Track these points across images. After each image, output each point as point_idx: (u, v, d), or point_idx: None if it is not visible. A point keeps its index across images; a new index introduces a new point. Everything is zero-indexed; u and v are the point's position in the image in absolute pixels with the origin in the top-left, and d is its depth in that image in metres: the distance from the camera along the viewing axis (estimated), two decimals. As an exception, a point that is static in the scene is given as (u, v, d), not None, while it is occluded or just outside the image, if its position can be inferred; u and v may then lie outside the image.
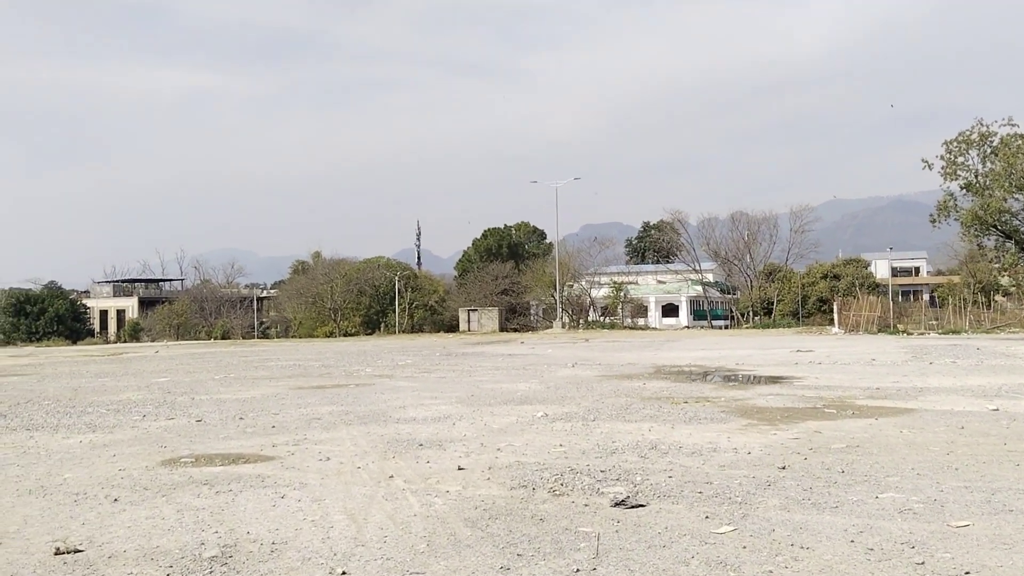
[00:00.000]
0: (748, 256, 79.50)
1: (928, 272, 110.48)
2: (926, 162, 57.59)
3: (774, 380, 17.96)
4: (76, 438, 11.29)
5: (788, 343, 36.52)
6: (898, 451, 8.90)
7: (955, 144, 56.19)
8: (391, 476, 7.98)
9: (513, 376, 20.51)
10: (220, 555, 5.50)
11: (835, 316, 48.87)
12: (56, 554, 5.56)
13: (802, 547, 5.36)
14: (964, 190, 56.78)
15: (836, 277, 79.20)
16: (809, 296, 78.96)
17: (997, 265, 56.36)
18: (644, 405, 13.34)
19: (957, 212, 57.37)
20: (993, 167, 54.64)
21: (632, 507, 6.41)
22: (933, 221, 59.87)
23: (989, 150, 55.10)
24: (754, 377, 18.98)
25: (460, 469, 8.24)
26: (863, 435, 10.02)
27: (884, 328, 46.33)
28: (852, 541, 5.49)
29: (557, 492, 7.07)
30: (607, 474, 7.74)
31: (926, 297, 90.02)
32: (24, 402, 16.45)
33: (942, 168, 56.88)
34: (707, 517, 6.12)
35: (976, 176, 55.83)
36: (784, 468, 7.93)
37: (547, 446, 9.53)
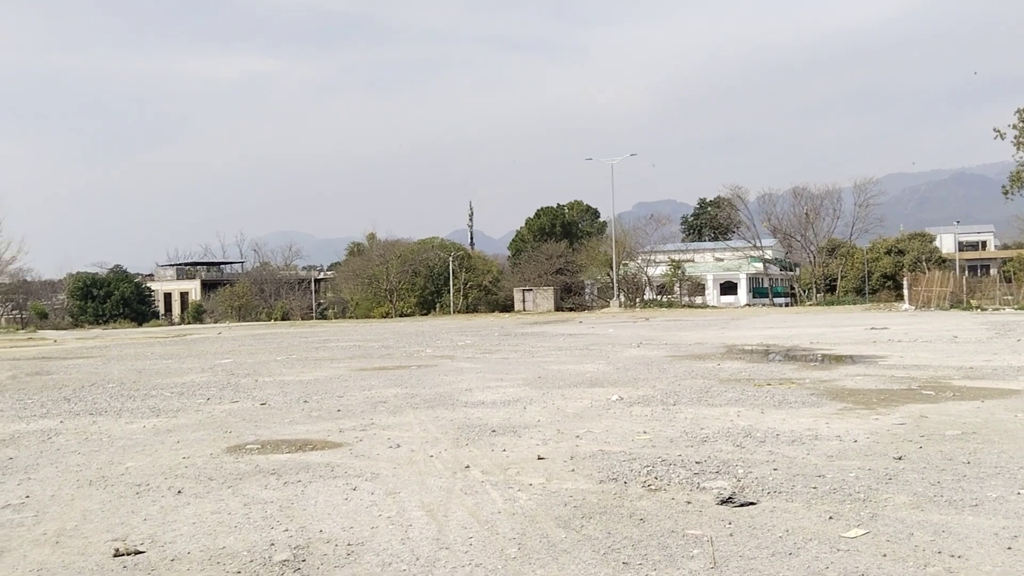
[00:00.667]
0: (811, 231, 77.38)
1: (996, 246, 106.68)
2: (998, 131, 55.22)
3: (856, 359, 17.03)
4: (140, 423, 11.00)
5: (859, 320, 35.21)
6: (1021, 437, 8.07)
7: (1031, 111, 53.70)
8: (467, 466, 7.44)
9: (578, 357, 19.88)
10: (292, 559, 5.00)
11: (905, 292, 47.12)
12: (115, 556, 5.12)
13: (952, 555, 4.66)
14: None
15: (900, 252, 76.93)
16: (873, 272, 76.88)
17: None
18: (725, 388, 12.61)
19: (1033, 182, 55.00)
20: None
21: (741, 505, 5.76)
22: (1005, 192, 57.52)
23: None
24: (834, 356, 18.05)
25: (540, 459, 7.66)
26: (975, 419, 9.18)
27: (956, 304, 44.52)
28: (1009, 548, 4.77)
29: (652, 487, 6.44)
30: (704, 466, 7.08)
31: (993, 272, 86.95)
32: (89, 385, 16.35)
33: (1015, 138, 54.52)
34: (831, 518, 5.44)
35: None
36: (901, 459, 7.18)
37: (630, 433, 8.90)
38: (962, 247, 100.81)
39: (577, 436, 8.79)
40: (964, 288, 46.25)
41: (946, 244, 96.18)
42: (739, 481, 6.48)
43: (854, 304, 62.99)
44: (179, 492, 6.89)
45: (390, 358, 21.46)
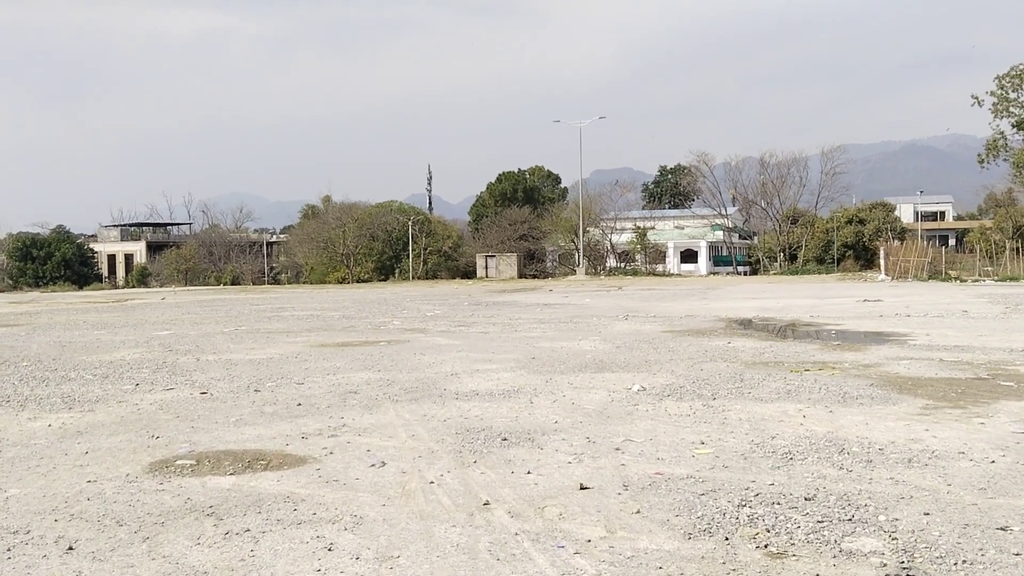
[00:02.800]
0: (777, 200, 76.23)
1: (953, 217, 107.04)
2: (976, 98, 54.16)
3: (880, 338, 15.23)
4: (45, 419, 8.69)
5: (841, 291, 33.73)
6: None
7: (1008, 79, 52.72)
8: (486, 502, 5.33)
9: (566, 332, 17.84)
10: None
11: (881, 262, 45.91)
12: None
13: None
14: (1016, 128, 53.53)
15: (862, 222, 76.14)
16: (833, 241, 76.11)
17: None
18: (758, 374, 10.65)
19: (1008, 151, 54.18)
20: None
21: (932, 592, 3.75)
22: (981, 161, 56.65)
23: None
24: (850, 334, 16.24)
25: (583, 488, 5.58)
26: (1104, 425, 7.32)
27: (935, 275, 43.43)
28: None
29: (770, 548, 4.40)
30: (820, 506, 5.07)
31: (952, 242, 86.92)
32: (1, 362, 13.87)
33: (993, 105, 53.51)
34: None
35: (1031, 113, 52.49)
36: (1085, 494, 5.25)
37: (682, 443, 6.87)
38: (920, 217, 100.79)
39: (616, 448, 6.72)
40: (943, 260, 45.16)
41: (905, 214, 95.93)
42: (894, 539, 4.47)
43: (821, 274, 61.96)
44: (69, 549, 4.69)
45: (354, 331, 19.21)
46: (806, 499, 5.17)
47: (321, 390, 10.23)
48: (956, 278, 41.72)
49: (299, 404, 9.23)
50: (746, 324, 19.19)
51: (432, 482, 5.87)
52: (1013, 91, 50.75)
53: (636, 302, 29.39)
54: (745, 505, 5.06)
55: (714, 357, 12.59)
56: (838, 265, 71.06)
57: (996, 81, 50.45)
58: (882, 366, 11.31)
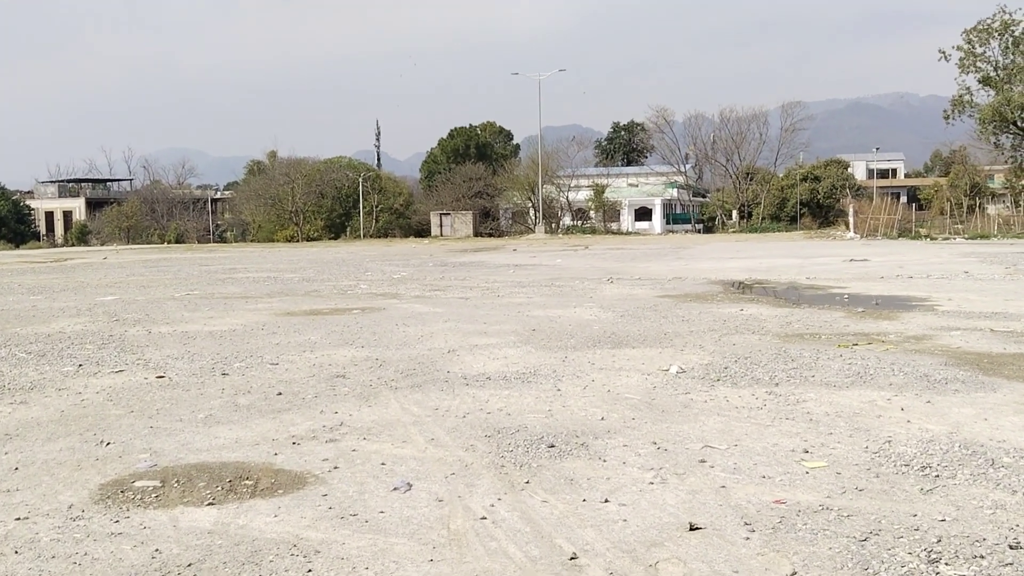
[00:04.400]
0: (737, 156, 75.42)
1: (905, 174, 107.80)
2: (943, 52, 53.36)
3: (904, 304, 14.10)
4: (-37, 417, 7.01)
5: (818, 250, 32.85)
6: None
7: (975, 34, 52.06)
8: (573, 556, 3.90)
9: (554, 298, 16.43)
10: None
11: (850, 220, 45.32)
12: None
13: None
14: (982, 84, 53.06)
15: (816, 179, 75.89)
16: (788, 199, 75.87)
17: (1013, 164, 53.12)
18: (805, 351, 9.36)
19: (973, 108, 53.76)
20: (1016, 60, 50.75)
21: None
22: (947, 117, 56.09)
23: (1012, 41, 51.17)
24: (865, 298, 15.10)
25: (694, 529, 4.18)
26: None
27: (904, 233, 42.94)
28: None
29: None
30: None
31: (903, 199, 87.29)
32: (-85, 338, 12.00)
33: (960, 60, 52.89)
34: None
35: (996, 69, 52.03)
36: None
37: (777, 451, 5.51)
38: (873, 175, 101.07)
39: (701, 460, 5.34)
40: (913, 218, 44.66)
41: (858, 171, 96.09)
42: None
43: (780, 231, 61.49)
44: (-17, 653, 3.15)
45: (319, 296, 17.55)
46: (1011, 547, 3.83)
47: (302, 373, 8.67)
48: (927, 236, 41.26)
49: (279, 393, 7.67)
50: (743, 287, 18.00)
51: (483, 517, 4.41)
52: (980, 46, 50.14)
53: (610, 263, 28.09)
54: (938, 560, 3.70)
55: (738, 328, 11.28)
56: (794, 223, 70.80)
57: (964, 36, 49.76)
58: (934, 338, 10.11)
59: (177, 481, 5.15)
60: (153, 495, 4.91)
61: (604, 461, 5.37)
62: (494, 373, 8.45)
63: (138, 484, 5.10)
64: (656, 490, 4.78)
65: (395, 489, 4.89)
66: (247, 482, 5.12)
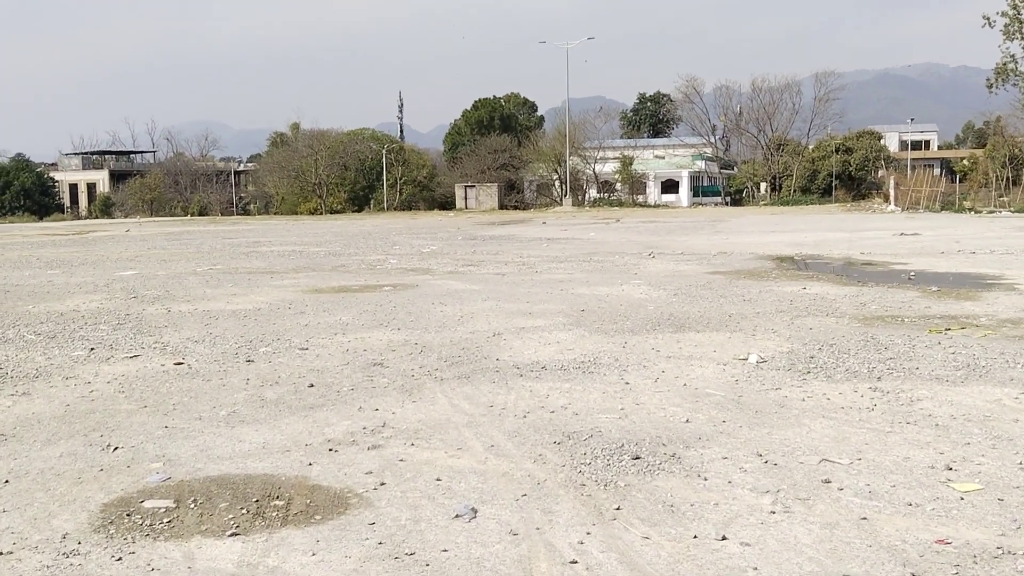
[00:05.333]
0: (769, 127, 73.64)
1: (938, 146, 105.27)
2: (987, 19, 51.40)
3: (978, 282, 13.02)
4: (-43, 412, 6.21)
5: (863, 224, 31.59)
6: None
7: None
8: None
9: (597, 274, 15.48)
10: None
11: (891, 192, 43.82)
12: None
13: None
14: (1028, 52, 51.02)
15: (848, 151, 74.11)
16: (820, 171, 74.23)
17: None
18: (895, 337, 8.36)
19: (1018, 76, 51.82)
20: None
21: None
22: (990, 86, 54.21)
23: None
24: (934, 276, 14.01)
25: (850, 582, 3.25)
26: None
27: (947, 206, 41.44)
28: None
29: None
30: None
31: (937, 171, 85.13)
32: (-78, 316, 11.27)
33: (1005, 26, 50.89)
34: None
35: (1045, 36, 49.97)
36: None
37: (913, 468, 4.57)
38: (907, 147, 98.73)
39: (824, 480, 4.40)
40: (957, 190, 43.13)
41: (890, 143, 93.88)
42: None
43: (813, 204, 59.98)
44: None
45: (347, 272, 16.70)
46: None
47: (335, 360, 7.80)
48: (971, 209, 39.77)
49: (311, 385, 6.80)
50: (797, 263, 16.94)
51: (574, 561, 3.51)
52: (1028, 10, 48.11)
53: (646, 236, 27.05)
54: None
55: (809, 310, 10.29)
56: (826, 196, 69.27)
57: (1010, 1, 47.73)
58: (1031, 323, 9.08)
59: (194, 500, 4.29)
60: (165, 520, 4.05)
61: (705, 479, 4.44)
62: (549, 361, 7.54)
63: (148, 505, 4.24)
64: (782, 523, 3.86)
65: (457, 516, 4.00)
66: (277, 503, 4.25)
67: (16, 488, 4.53)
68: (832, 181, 73.45)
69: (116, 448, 5.22)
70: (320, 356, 8.01)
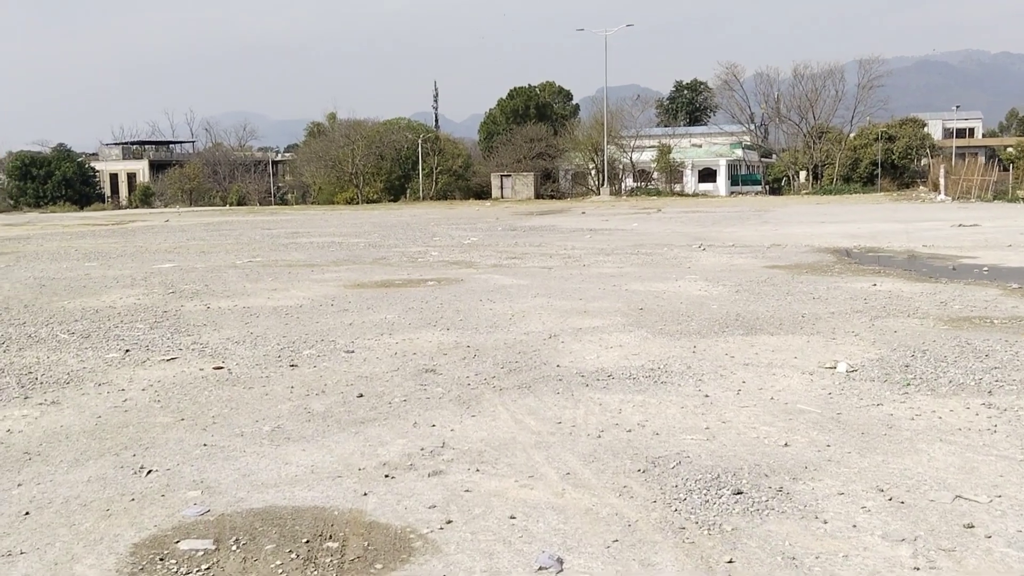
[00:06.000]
0: (811, 114, 72.06)
1: (982, 134, 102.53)
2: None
3: (1062, 279, 12.17)
4: (-18, 424, 5.75)
5: (916, 214, 30.48)
6: None
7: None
8: None
9: (648, 268, 14.81)
10: None
11: (940, 181, 42.45)
12: None
13: None
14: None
15: (891, 139, 72.40)
16: (862, 159, 72.66)
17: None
18: (993, 342, 7.63)
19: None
20: None
21: None
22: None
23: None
24: (1009, 271, 13.17)
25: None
26: None
27: (1000, 195, 40.03)
28: None
29: None
30: None
31: (982, 159, 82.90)
32: (-45, 312, 10.92)
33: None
34: None
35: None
36: None
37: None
38: (951, 134, 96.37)
39: (968, 526, 3.76)
40: (1010, 180, 41.66)
41: (933, 131, 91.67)
42: None
43: (857, 193, 58.54)
44: None
45: (388, 265, 16.20)
46: None
47: (383, 365, 7.26)
48: (1025, 199, 38.33)
49: (360, 395, 6.25)
50: (857, 256, 16.12)
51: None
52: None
53: (691, 227, 26.25)
54: None
55: (887, 310, 9.56)
56: (868, 185, 67.82)
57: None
58: None
59: (236, 541, 3.75)
60: (203, 567, 3.52)
61: (824, 523, 3.82)
62: (614, 368, 6.93)
63: (183, 547, 3.71)
64: (931, 583, 3.22)
65: (541, 569, 3.42)
66: (330, 544, 3.70)
67: (37, 522, 4.03)
68: (875, 170, 71.91)
69: (150, 471, 4.71)
70: (367, 360, 7.48)
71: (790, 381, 6.39)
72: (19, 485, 4.53)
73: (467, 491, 4.30)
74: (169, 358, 7.78)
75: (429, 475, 4.54)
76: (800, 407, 5.69)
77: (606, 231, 25.20)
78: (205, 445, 5.16)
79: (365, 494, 4.29)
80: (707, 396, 6.01)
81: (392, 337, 8.55)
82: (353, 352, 7.86)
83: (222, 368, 7.32)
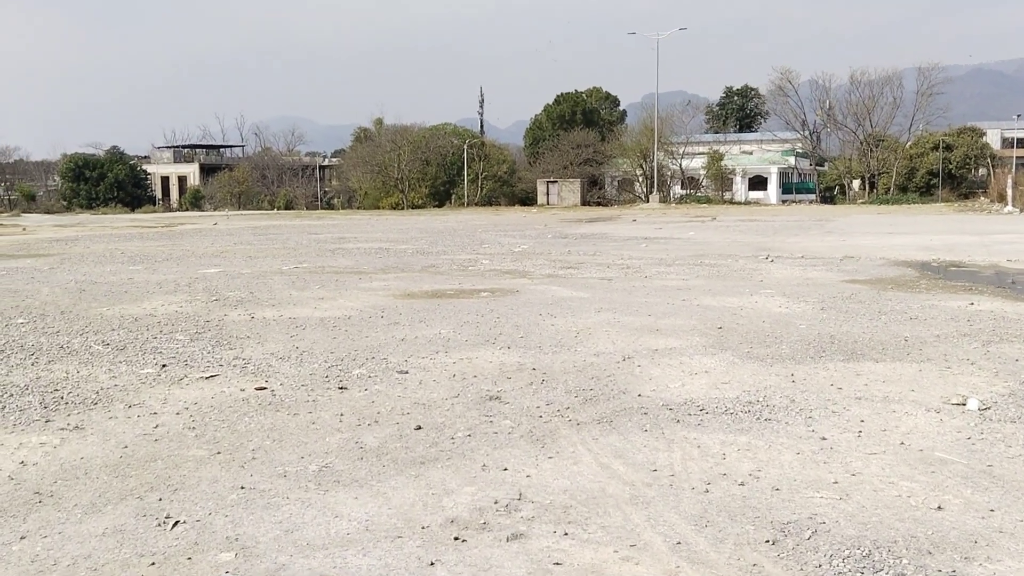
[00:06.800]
0: (868, 122, 70.17)
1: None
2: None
3: None
4: (-4, 452, 5.09)
5: (986, 225, 29.03)
6: None
7: None
8: None
9: (715, 280, 13.89)
10: None
11: (1008, 191, 40.71)
12: None
13: None
14: None
15: (948, 148, 70.33)
16: (918, 169, 70.70)
17: None
18: None
19: None
20: None
21: None
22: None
23: None
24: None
25: None
26: None
27: (1074, 208, 38.18)
28: None
29: None
30: None
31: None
32: (-9, 318, 10.40)
33: None
34: None
35: None
36: None
37: None
38: (1011, 144, 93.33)
39: None
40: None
41: (991, 140, 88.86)
42: None
43: (915, 203, 56.67)
44: None
45: (439, 273, 15.48)
46: None
47: (441, 390, 6.49)
48: (1101, 211, 36.47)
49: (418, 427, 5.49)
50: (939, 271, 15.01)
51: None
52: None
53: (751, 236, 25.19)
54: None
55: (997, 333, 8.56)
56: (924, 194, 66.04)
57: None
58: None
59: (275, 630, 2.98)
60: (233, 669, 2.75)
61: (1029, 628, 2.94)
62: (705, 400, 6.07)
63: (210, 637, 2.95)
64: None
65: None
66: (393, 639, 2.91)
67: (38, 592, 3.31)
68: (931, 179, 69.92)
69: (177, 522, 3.98)
70: (423, 383, 6.71)
71: (916, 420, 5.48)
72: (22, 538, 3.82)
73: (557, 564, 3.50)
74: (208, 375, 7.10)
75: (508, 539, 3.75)
76: (939, 455, 4.79)
77: (662, 240, 24.26)
78: (243, 488, 4.43)
79: (432, 563, 3.52)
80: (824, 439, 5.13)
81: (448, 356, 7.78)
82: (407, 373, 7.10)
83: (265, 389, 6.61)
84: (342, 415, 5.82)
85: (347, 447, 5.10)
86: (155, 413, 5.94)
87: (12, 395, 6.45)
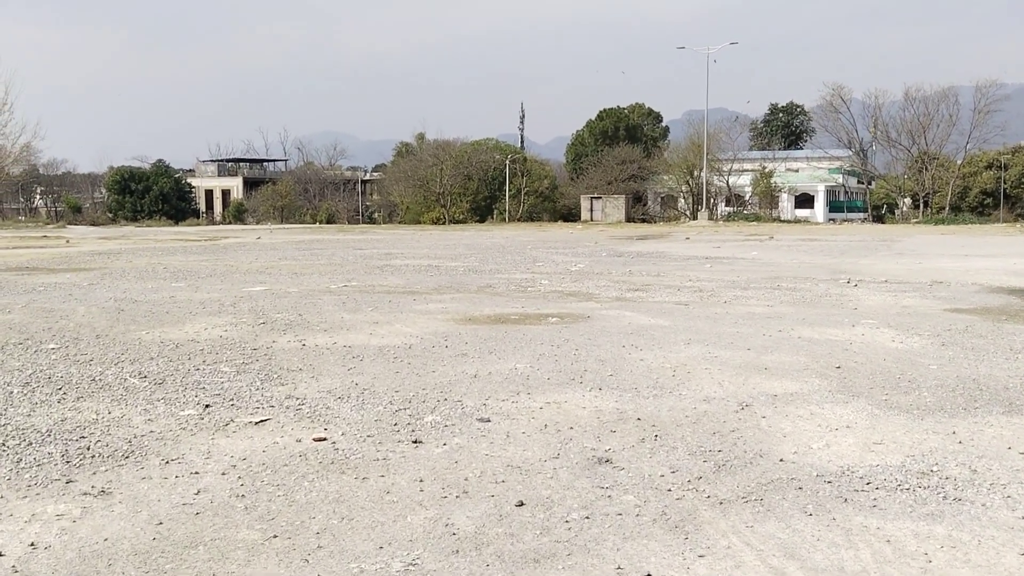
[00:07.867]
0: (923, 139, 68.18)
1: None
2: None
3: None
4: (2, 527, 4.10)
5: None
6: None
7: None
8: None
9: (803, 307, 12.68)
10: None
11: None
12: None
13: None
14: None
15: (1003, 167, 68.23)
16: (971, 188, 68.70)
17: None
18: None
19: None
20: None
21: None
22: None
23: None
24: None
25: None
26: None
27: None
28: None
29: None
30: None
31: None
32: (16, 343, 9.53)
33: None
34: None
35: None
36: None
37: None
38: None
39: None
40: None
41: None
42: None
43: (973, 224, 54.63)
44: None
45: (496, 294, 14.44)
46: None
47: (535, 447, 5.40)
48: None
49: (520, 503, 4.40)
50: (1049, 300, 13.65)
51: None
52: None
53: (819, 257, 23.85)
54: None
55: None
56: (977, 213, 64.17)
57: None
58: None
59: None
60: None
61: None
62: (863, 467, 4.93)
63: None
64: None
65: None
66: None
67: None
68: (985, 199, 67.95)
69: (224, 656, 2.92)
70: (511, 437, 5.64)
71: None
72: None
73: None
74: (258, 420, 6.09)
75: None
76: None
77: (725, 260, 23.01)
78: (308, 595, 3.37)
79: None
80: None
81: (532, 399, 6.70)
82: (489, 421, 6.03)
83: (324, 440, 5.58)
84: (421, 481, 4.76)
85: (435, 532, 4.04)
86: (196, 473, 4.94)
87: (32, 443, 5.49)
